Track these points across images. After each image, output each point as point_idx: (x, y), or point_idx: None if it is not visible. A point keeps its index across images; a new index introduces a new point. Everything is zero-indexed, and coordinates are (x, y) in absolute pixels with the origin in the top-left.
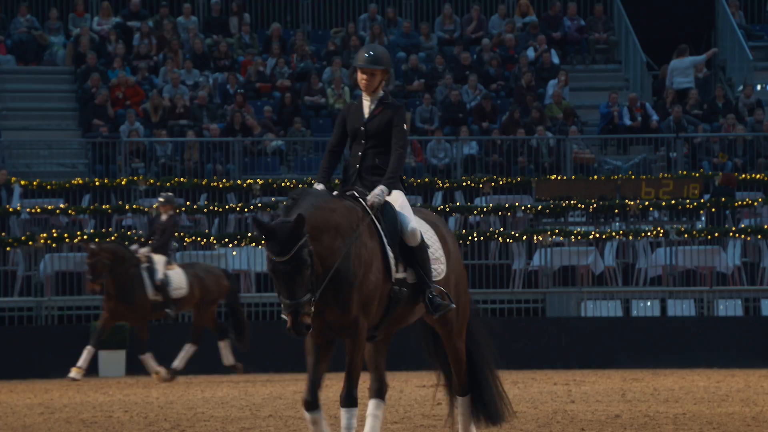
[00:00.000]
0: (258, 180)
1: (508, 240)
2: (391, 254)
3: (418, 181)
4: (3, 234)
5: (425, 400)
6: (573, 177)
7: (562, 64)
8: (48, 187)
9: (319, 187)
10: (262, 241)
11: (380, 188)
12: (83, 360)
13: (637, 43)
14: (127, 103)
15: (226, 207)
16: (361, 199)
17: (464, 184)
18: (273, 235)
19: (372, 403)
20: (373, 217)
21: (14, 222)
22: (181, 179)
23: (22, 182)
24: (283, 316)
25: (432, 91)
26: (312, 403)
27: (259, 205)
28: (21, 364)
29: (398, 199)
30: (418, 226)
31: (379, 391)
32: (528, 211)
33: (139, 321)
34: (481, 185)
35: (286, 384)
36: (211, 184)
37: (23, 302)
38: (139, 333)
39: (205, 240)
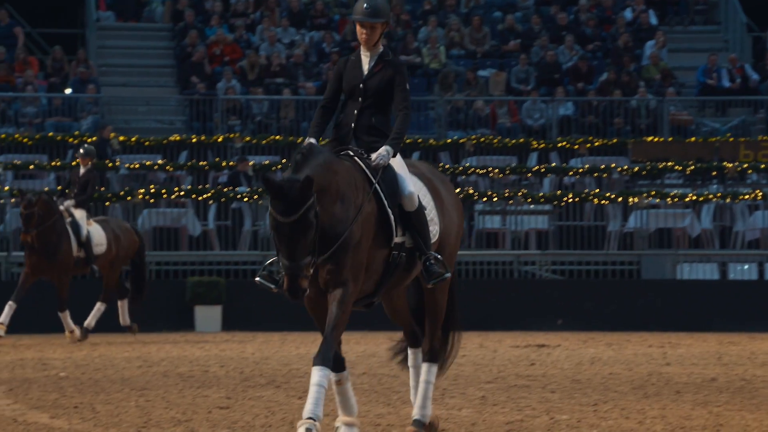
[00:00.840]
0: None
1: (603, 202)
2: (392, 218)
3: (513, 141)
4: (102, 189)
5: (519, 360)
6: (670, 139)
7: (659, 25)
8: (146, 143)
9: (308, 141)
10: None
11: (386, 149)
12: (5, 315)
13: (738, 4)
14: (224, 60)
15: None
16: (358, 159)
17: (560, 145)
18: (280, 193)
19: (424, 368)
20: (375, 179)
21: (113, 177)
22: (277, 137)
23: (121, 138)
24: (258, 278)
25: (528, 51)
26: (328, 359)
27: None
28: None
29: (397, 162)
30: (415, 188)
31: (430, 353)
32: (624, 172)
33: (62, 277)
34: (576, 146)
35: (379, 342)
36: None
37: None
38: (60, 289)
39: None
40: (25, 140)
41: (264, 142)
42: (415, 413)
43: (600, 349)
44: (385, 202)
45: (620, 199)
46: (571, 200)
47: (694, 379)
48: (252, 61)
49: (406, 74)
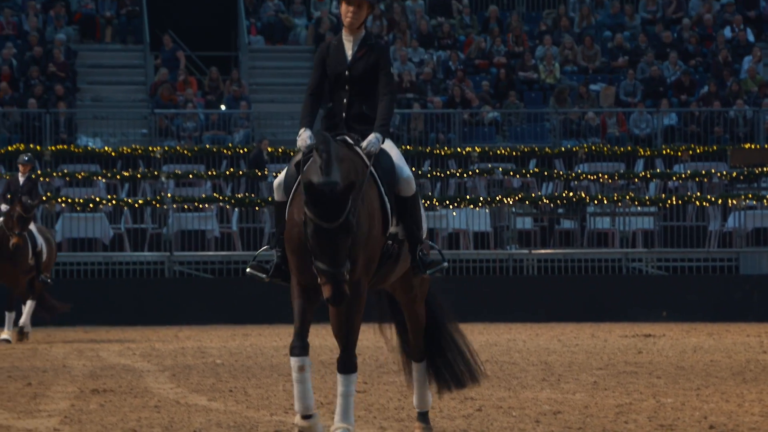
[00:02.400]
0: (476, 148)
1: (704, 204)
2: (389, 206)
3: (622, 149)
4: (252, 195)
5: (627, 349)
6: (766, 146)
7: (756, 42)
8: (291, 153)
9: (307, 134)
10: (308, 202)
11: (374, 135)
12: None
13: None
14: None
15: (447, 172)
16: (356, 147)
17: (664, 152)
18: (322, 198)
19: (414, 367)
20: (371, 166)
21: (263, 186)
22: (407, 147)
23: (270, 149)
24: (249, 270)
25: (635, 67)
26: (302, 348)
27: (477, 170)
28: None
29: (389, 146)
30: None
31: (418, 354)
32: (723, 177)
33: (18, 284)
34: (679, 153)
35: (500, 332)
36: (434, 151)
37: (269, 255)
38: (17, 292)
39: (428, 202)
40: (185, 152)
41: None
42: (416, 404)
43: (701, 338)
44: (382, 189)
45: (720, 201)
46: (674, 203)
47: None
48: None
49: (390, 57)
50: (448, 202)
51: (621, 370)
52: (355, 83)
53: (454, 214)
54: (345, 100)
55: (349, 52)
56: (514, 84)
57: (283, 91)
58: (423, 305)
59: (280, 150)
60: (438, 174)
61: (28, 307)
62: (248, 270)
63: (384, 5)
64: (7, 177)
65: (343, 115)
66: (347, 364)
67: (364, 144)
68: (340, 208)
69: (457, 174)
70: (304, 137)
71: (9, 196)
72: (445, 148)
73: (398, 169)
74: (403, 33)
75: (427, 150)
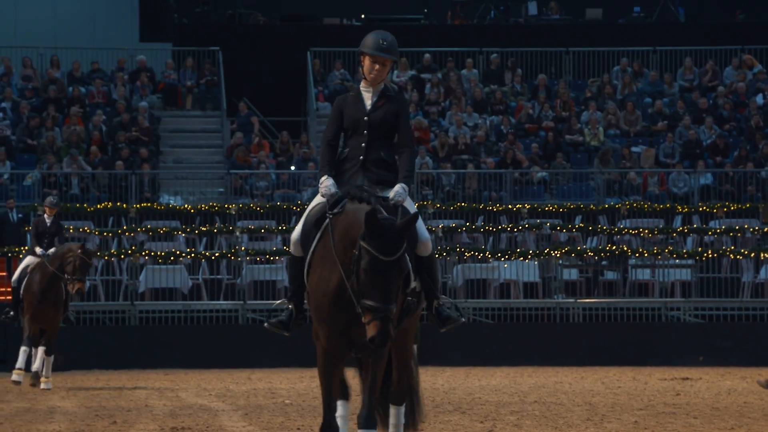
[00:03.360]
0: (525, 205)
1: (738, 257)
2: (410, 264)
3: (661, 206)
4: None
5: (666, 391)
6: None
7: None
8: None
9: (330, 181)
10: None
11: (401, 186)
12: (21, 361)
13: None
14: (419, 140)
15: (499, 227)
16: (378, 204)
17: (700, 209)
18: (387, 231)
19: (392, 411)
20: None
21: None
22: (462, 204)
23: None
24: (267, 325)
25: (674, 130)
26: (334, 427)
27: (527, 225)
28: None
29: (412, 206)
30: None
31: (398, 397)
32: (755, 232)
33: (56, 329)
34: (715, 210)
35: (548, 375)
36: (487, 208)
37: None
38: (53, 335)
39: (481, 254)
40: (258, 209)
41: (452, 208)
42: None
43: (735, 381)
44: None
45: (752, 254)
46: (710, 256)
47: None
48: (442, 141)
49: (408, 110)
50: (499, 254)
51: (660, 410)
52: (374, 129)
53: (506, 265)
54: (363, 145)
55: (368, 102)
56: (561, 146)
57: None
58: (413, 339)
59: None
60: (490, 229)
61: (41, 353)
62: (266, 325)
63: (441, 74)
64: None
65: (361, 158)
66: (369, 419)
67: (391, 194)
68: (399, 243)
69: (508, 229)
70: (327, 184)
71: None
72: (497, 205)
73: (419, 230)
74: (459, 99)
75: (481, 207)
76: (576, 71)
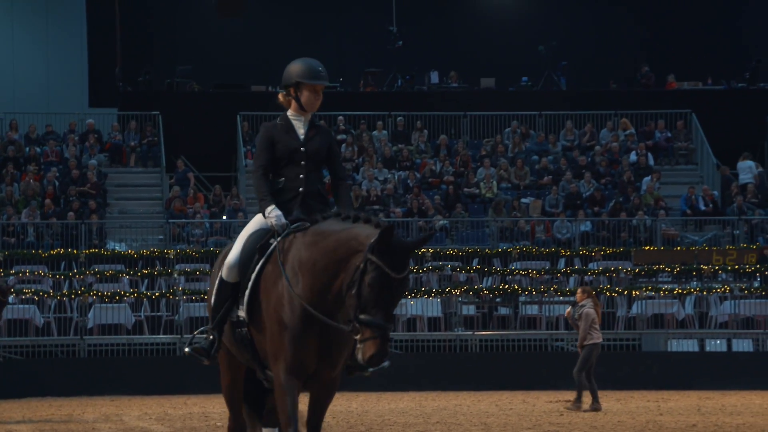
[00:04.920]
0: (429, 249)
1: (613, 294)
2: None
3: (547, 250)
4: None
5: (551, 412)
6: (662, 248)
7: (654, 165)
8: None
9: (278, 212)
10: (374, 251)
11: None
12: None
13: (710, 149)
14: None
15: None
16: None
17: (581, 252)
18: (400, 248)
19: None
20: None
21: None
22: None
23: None
24: (188, 350)
25: (557, 184)
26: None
27: (430, 267)
28: None
29: None
30: None
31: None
32: (628, 273)
33: None
34: (593, 253)
35: (449, 398)
36: None
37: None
38: None
39: None
40: (194, 253)
41: None
42: None
43: (611, 403)
44: None
45: (626, 292)
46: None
47: (680, 425)
48: (356, 194)
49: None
50: (407, 293)
51: (546, 429)
52: (311, 160)
53: (412, 302)
54: (302, 176)
55: (300, 131)
56: (460, 198)
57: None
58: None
59: None
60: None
61: None
62: (187, 350)
63: (355, 135)
64: None
65: (300, 189)
66: None
67: None
68: (408, 260)
69: (414, 270)
70: (276, 215)
71: None
72: None
73: None
74: (371, 157)
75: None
76: (472, 132)
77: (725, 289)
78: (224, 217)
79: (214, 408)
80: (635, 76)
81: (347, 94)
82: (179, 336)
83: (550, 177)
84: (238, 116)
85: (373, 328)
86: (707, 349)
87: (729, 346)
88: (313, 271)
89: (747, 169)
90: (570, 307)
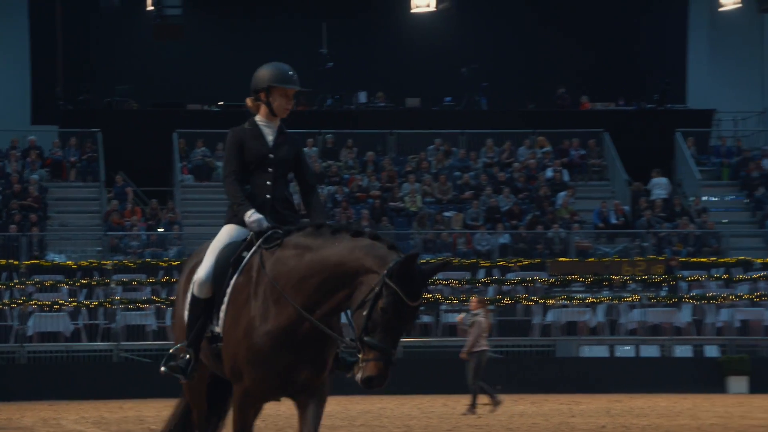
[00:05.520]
0: None
1: (529, 303)
2: None
3: (467, 261)
4: None
5: (471, 415)
6: (576, 259)
7: (569, 181)
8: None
9: (258, 215)
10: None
11: None
12: None
13: (621, 166)
14: None
15: None
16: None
17: (500, 263)
18: (420, 277)
19: None
20: None
21: None
22: None
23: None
24: (164, 368)
25: (478, 198)
26: None
27: None
28: None
29: None
30: None
31: None
32: (544, 282)
33: None
34: (511, 264)
35: (373, 402)
36: None
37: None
38: None
39: None
40: (131, 264)
41: None
42: None
43: (526, 406)
44: None
45: (541, 301)
46: (508, 301)
47: (591, 427)
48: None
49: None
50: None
51: (465, 430)
52: (279, 167)
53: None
54: (269, 183)
55: (269, 137)
56: (386, 211)
57: (208, 217)
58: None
59: None
60: None
61: None
62: (163, 369)
63: None
64: None
65: (268, 196)
66: None
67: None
68: (425, 288)
69: None
70: (256, 218)
71: None
72: None
73: None
74: None
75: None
76: (398, 149)
77: (634, 298)
78: (160, 230)
79: (149, 412)
80: (552, 98)
81: None
82: (116, 343)
83: (472, 192)
84: (174, 133)
85: (377, 350)
86: (617, 354)
87: (637, 351)
88: (305, 284)
89: (660, 185)
90: (464, 313)
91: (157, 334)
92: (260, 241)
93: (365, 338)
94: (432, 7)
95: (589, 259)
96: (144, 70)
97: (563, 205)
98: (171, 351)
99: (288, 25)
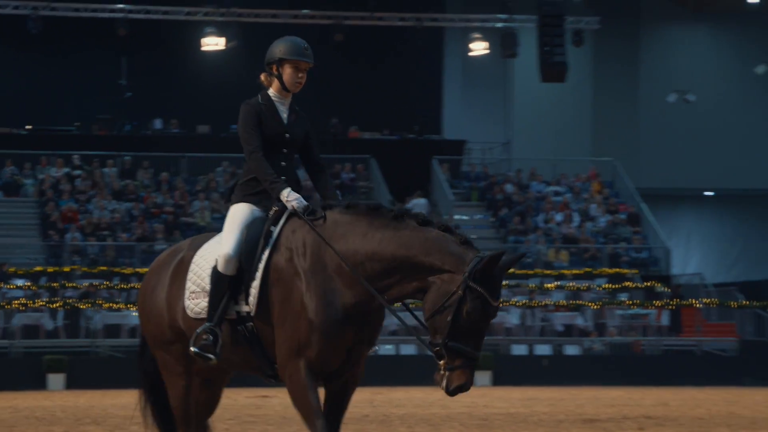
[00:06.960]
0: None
1: None
2: None
3: None
4: None
5: (250, 405)
6: None
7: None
8: (19, 272)
9: (295, 194)
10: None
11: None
12: None
13: (386, 188)
14: (72, 219)
15: (131, 285)
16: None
17: None
18: (499, 274)
19: None
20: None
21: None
22: (103, 267)
23: (11, 270)
24: (194, 349)
25: None
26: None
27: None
28: None
29: None
30: None
31: None
32: None
33: None
34: None
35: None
36: (122, 271)
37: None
38: None
39: (116, 304)
40: None
41: (94, 270)
42: None
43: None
44: None
45: None
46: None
47: (356, 416)
48: (89, 221)
49: None
50: (130, 305)
51: (245, 420)
52: (292, 147)
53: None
54: (284, 164)
55: (283, 115)
56: (179, 225)
57: (15, 229)
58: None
59: (11, 270)
60: (125, 287)
61: None
62: (193, 349)
63: (88, 170)
64: None
65: (283, 178)
66: None
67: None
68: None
69: (137, 287)
70: (295, 197)
71: None
72: (131, 269)
73: None
74: (102, 189)
75: (117, 270)
76: (190, 170)
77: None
78: None
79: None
80: (326, 126)
81: (83, 136)
82: None
83: None
84: None
85: (465, 357)
86: (380, 353)
87: (398, 350)
88: (368, 266)
89: (419, 205)
90: None
91: None
92: (304, 214)
93: (450, 343)
94: (221, 46)
95: None
96: None
97: None
98: (198, 330)
99: (91, 58)
